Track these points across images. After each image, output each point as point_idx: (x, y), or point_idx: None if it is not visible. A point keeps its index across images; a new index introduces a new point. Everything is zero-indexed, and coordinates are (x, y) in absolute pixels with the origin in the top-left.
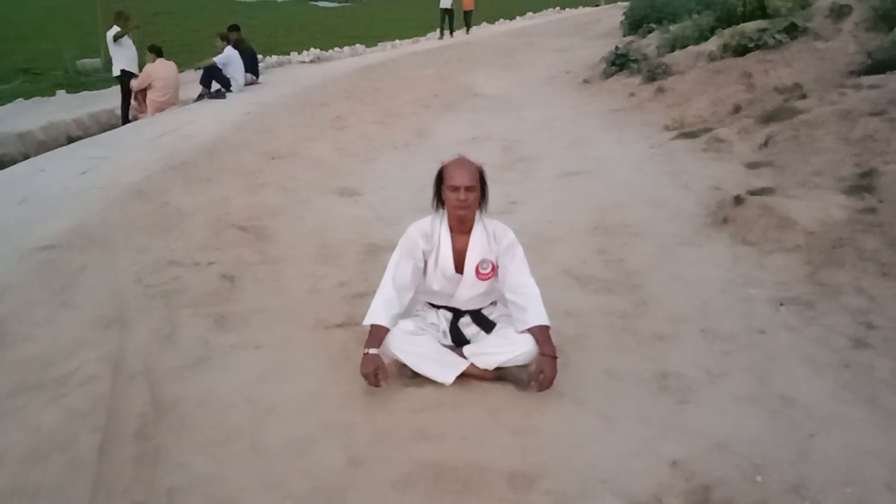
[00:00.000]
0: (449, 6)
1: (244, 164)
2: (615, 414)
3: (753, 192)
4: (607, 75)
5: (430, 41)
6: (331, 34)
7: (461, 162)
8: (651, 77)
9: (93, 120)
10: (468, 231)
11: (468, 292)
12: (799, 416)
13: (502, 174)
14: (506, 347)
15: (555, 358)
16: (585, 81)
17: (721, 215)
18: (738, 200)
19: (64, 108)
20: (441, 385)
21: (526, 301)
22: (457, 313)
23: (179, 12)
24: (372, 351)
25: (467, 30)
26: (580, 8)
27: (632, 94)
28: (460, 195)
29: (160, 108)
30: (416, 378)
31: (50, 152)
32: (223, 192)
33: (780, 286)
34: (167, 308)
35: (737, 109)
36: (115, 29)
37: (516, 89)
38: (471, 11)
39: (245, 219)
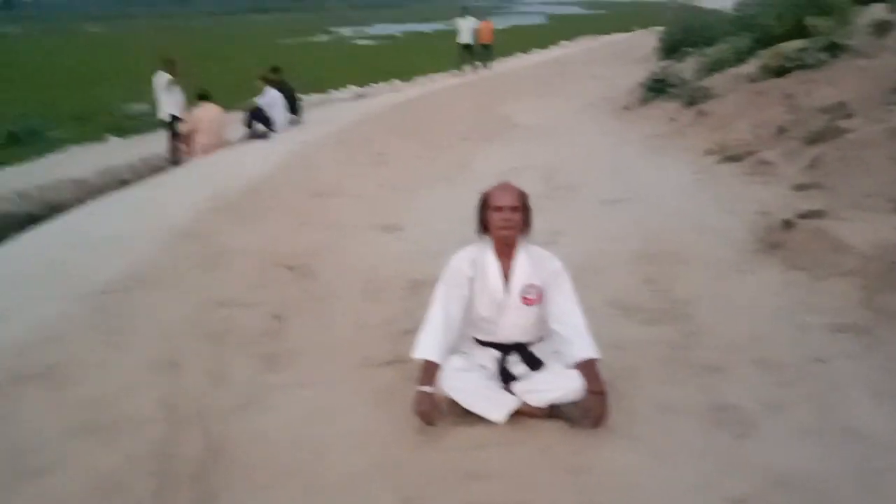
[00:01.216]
0: (469, 41)
1: (289, 203)
2: (670, 450)
3: (803, 216)
4: (646, 101)
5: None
6: (369, 71)
7: (505, 185)
8: (690, 101)
9: (143, 164)
10: (512, 254)
11: (513, 319)
12: (864, 448)
13: (543, 203)
14: (556, 383)
15: (603, 394)
16: (624, 108)
17: (770, 240)
18: (787, 224)
19: (115, 153)
20: (491, 423)
21: (571, 332)
22: (503, 350)
23: (224, 55)
24: (427, 389)
25: (485, 64)
26: (613, 34)
27: (672, 120)
28: (505, 214)
29: (206, 151)
30: (466, 416)
31: (103, 197)
32: (269, 231)
33: (836, 312)
34: (218, 348)
35: (781, 131)
36: (164, 75)
37: (554, 118)
38: (489, 45)
39: (291, 257)
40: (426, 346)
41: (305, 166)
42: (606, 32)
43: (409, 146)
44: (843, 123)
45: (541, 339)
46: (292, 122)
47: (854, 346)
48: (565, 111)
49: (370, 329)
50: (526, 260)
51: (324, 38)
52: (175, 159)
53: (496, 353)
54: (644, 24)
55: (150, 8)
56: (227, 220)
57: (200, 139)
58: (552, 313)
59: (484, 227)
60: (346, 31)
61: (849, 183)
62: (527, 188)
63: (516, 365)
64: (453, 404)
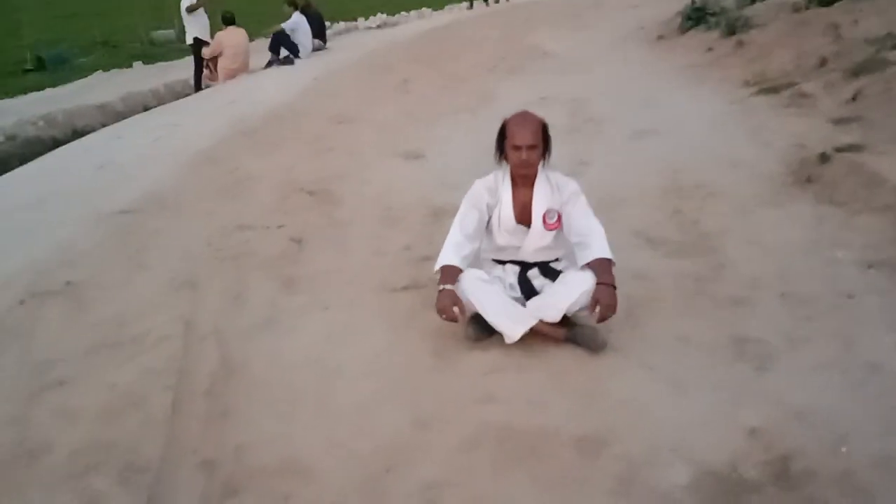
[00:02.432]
0: None
1: (311, 129)
2: (688, 380)
3: (840, 149)
4: (683, 30)
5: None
6: None
7: (524, 119)
8: (730, 31)
9: (168, 90)
10: (531, 184)
11: (536, 243)
12: (888, 384)
13: (570, 136)
14: (568, 292)
15: (613, 287)
16: (660, 38)
17: (804, 174)
18: (823, 158)
19: (140, 79)
20: (507, 347)
21: (589, 239)
22: (524, 266)
23: None
24: (448, 287)
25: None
26: None
27: (709, 49)
28: (522, 154)
29: (231, 76)
30: (479, 341)
31: (126, 120)
32: (291, 157)
33: (868, 248)
34: (237, 270)
35: (823, 62)
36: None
37: (585, 49)
38: None
39: (312, 182)
40: (445, 255)
41: (328, 93)
42: None
43: (434, 75)
44: (890, 55)
45: (561, 258)
46: (318, 48)
47: (884, 281)
48: (598, 42)
49: (389, 255)
50: (545, 186)
51: None
52: (199, 84)
53: (516, 268)
54: None
55: None
56: (248, 146)
57: (225, 63)
58: (572, 229)
59: (502, 155)
60: None
61: (891, 117)
62: (553, 121)
63: (536, 278)
64: (472, 319)
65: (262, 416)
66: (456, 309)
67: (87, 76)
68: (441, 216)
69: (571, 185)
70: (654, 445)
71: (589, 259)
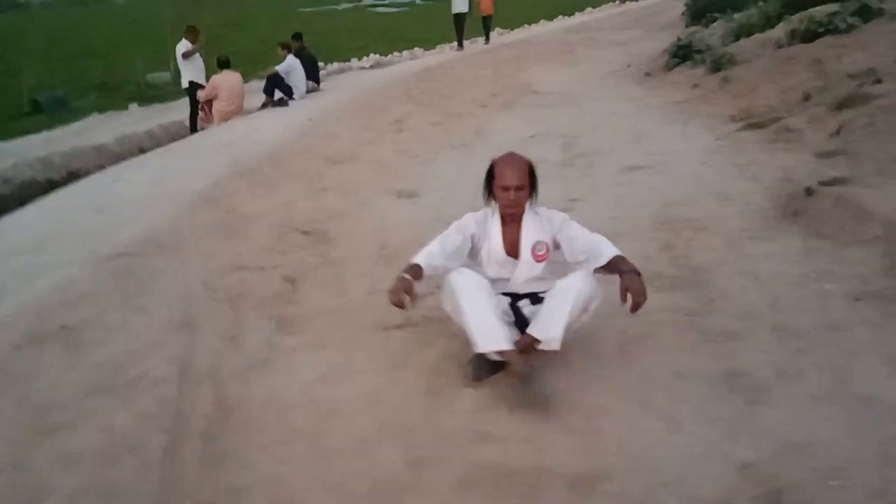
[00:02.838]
0: (464, 10)
1: (306, 169)
2: (681, 415)
3: (826, 183)
4: (670, 67)
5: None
6: (389, 39)
7: (511, 160)
8: (716, 67)
9: (163, 131)
10: (519, 221)
11: (525, 274)
12: (881, 416)
13: (562, 171)
14: (560, 303)
15: (637, 273)
16: (647, 74)
17: (792, 208)
18: (809, 192)
19: (136, 120)
20: (501, 386)
21: (596, 247)
22: (515, 297)
23: (246, 23)
24: (406, 276)
25: (486, 39)
26: (639, 0)
27: (696, 86)
28: (510, 195)
29: (226, 118)
30: (479, 381)
31: (123, 163)
32: (286, 197)
33: (857, 280)
34: (233, 311)
35: (807, 97)
36: (186, 43)
37: (576, 85)
38: (490, 17)
39: (307, 222)
40: (415, 258)
41: (323, 133)
42: None
43: (427, 113)
44: (872, 89)
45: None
46: (311, 90)
47: (874, 314)
48: (588, 78)
49: (383, 293)
50: (532, 220)
51: (346, 6)
52: (195, 126)
53: (507, 299)
54: None
55: None
56: (244, 186)
57: (220, 106)
58: (574, 249)
59: (490, 195)
60: (367, 0)
61: (875, 149)
62: (545, 156)
63: (526, 307)
64: (473, 358)
65: (257, 458)
66: (407, 298)
67: (83, 118)
68: None
69: (560, 215)
70: (649, 483)
71: (603, 262)
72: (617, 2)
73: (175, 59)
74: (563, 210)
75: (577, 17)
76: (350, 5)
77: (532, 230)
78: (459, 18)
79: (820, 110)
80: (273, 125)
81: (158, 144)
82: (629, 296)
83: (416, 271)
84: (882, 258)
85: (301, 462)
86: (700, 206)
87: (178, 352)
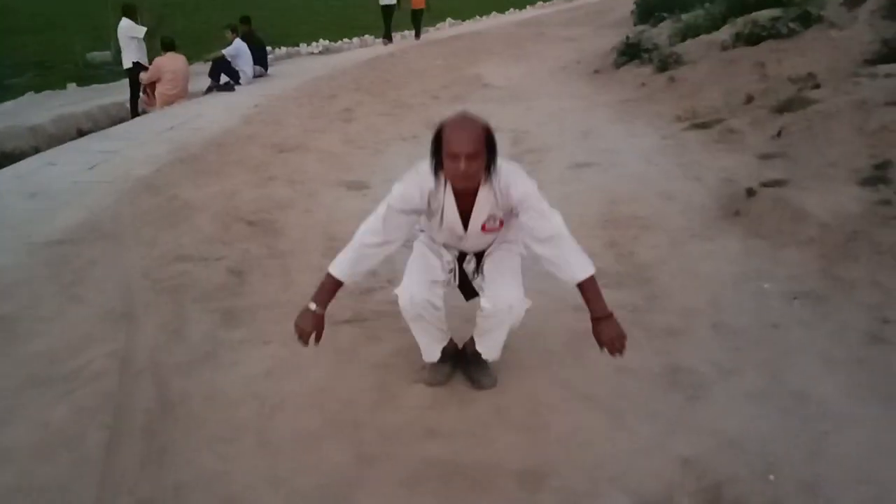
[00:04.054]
0: (392, 2)
1: (253, 157)
2: (625, 410)
3: (766, 184)
4: (618, 65)
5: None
6: (340, 25)
7: (463, 122)
8: (662, 67)
9: (103, 113)
10: (473, 192)
11: (474, 243)
12: (813, 413)
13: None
14: (499, 330)
15: (610, 315)
16: (596, 72)
17: (733, 208)
18: (750, 193)
19: (74, 101)
20: (451, 382)
21: (559, 255)
22: (462, 253)
23: (189, 4)
24: (317, 309)
25: (416, 34)
26: None
27: (643, 85)
28: (460, 165)
29: (169, 101)
30: (435, 386)
31: (60, 146)
32: (232, 186)
33: (793, 280)
34: (175, 303)
35: (749, 100)
36: (128, 22)
37: (526, 80)
38: (421, 10)
39: (253, 212)
40: (338, 265)
41: (270, 120)
42: None
43: (377, 103)
44: (812, 94)
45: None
46: (259, 75)
47: (809, 313)
48: (537, 73)
49: None
50: (488, 195)
51: None
52: (136, 109)
53: (455, 252)
54: None
55: None
56: (187, 173)
57: (163, 89)
58: (531, 236)
59: (439, 165)
60: None
61: (813, 153)
62: None
63: (469, 263)
64: (430, 366)
65: (201, 454)
66: (313, 337)
67: (18, 97)
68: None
69: (519, 191)
70: (594, 477)
71: (575, 281)
72: None
73: (116, 38)
74: None
75: (529, 11)
76: None
77: (485, 207)
78: (387, 10)
79: (762, 113)
80: (218, 111)
81: (97, 126)
82: (605, 349)
83: (330, 293)
84: (817, 259)
85: (245, 458)
86: (645, 204)
87: (118, 344)
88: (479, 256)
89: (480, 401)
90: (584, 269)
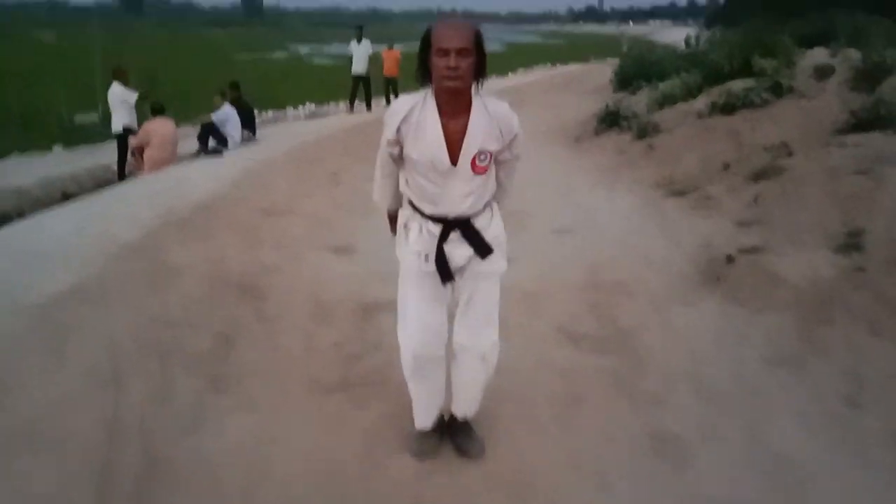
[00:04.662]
0: (363, 73)
1: (240, 221)
2: (612, 477)
3: (743, 251)
4: (598, 132)
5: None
6: (326, 89)
7: (452, 21)
8: (641, 134)
9: (89, 176)
10: (463, 111)
11: (460, 188)
12: (794, 474)
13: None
14: (474, 388)
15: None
16: (577, 138)
17: (713, 273)
18: (728, 259)
19: (60, 163)
20: (438, 450)
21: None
22: (445, 225)
23: (177, 67)
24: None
25: (387, 102)
26: (570, 64)
27: (622, 152)
28: (450, 61)
29: (158, 166)
30: (424, 457)
31: (47, 210)
32: (219, 250)
33: (771, 345)
34: (163, 368)
35: (725, 167)
36: (118, 86)
37: None
38: (394, 79)
39: (240, 276)
40: (382, 201)
41: (258, 184)
42: (563, 62)
43: (364, 167)
44: (785, 162)
45: (485, 208)
46: (247, 139)
47: (788, 377)
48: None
49: (319, 352)
50: (482, 117)
51: (282, 54)
52: (123, 173)
53: (435, 230)
54: (600, 56)
55: (105, 18)
56: (175, 237)
57: (152, 153)
58: (500, 167)
59: (427, 73)
60: (304, 49)
61: (787, 219)
62: None
63: (458, 245)
64: (418, 435)
65: None
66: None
67: (3, 157)
68: (371, 311)
69: (516, 124)
70: None
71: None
72: (548, 64)
73: (105, 100)
74: None
75: (511, 79)
76: (285, 55)
77: (480, 133)
78: (357, 80)
79: (737, 180)
80: (206, 175)
81: (84, 189)
82: None
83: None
84: (794, 323)
85: None
86: (626, 269)
87: (105, 409)
88: (464, 228)
89: (468, 469)
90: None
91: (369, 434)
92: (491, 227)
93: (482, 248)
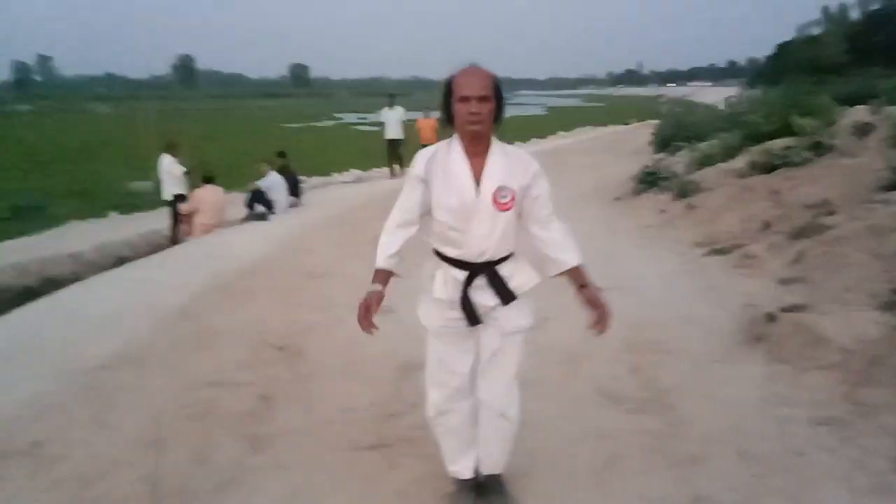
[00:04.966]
0: (398, 136)
1: (283, 284)
2: None
3: (786, 309)
4: (638, 192)
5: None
6: (370, 155)
7: (472, 70)
8: (681, 194)
9: (142, 241)
10: (483, 153)
11: (483, 228)
12: None
13: (534, 289)
14: (499, 443)
15: (598, 289)
16: (617, 199)
17: (754, 333)
18: (770, 317)
19: (116, 229)
20: None
21: (552, 237)
22: (470, 271)
23: (226, 136)
24: (376, 286)
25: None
26: (610, 126)
27: (662, 211)
28: (471, 107)
29: (207, 231)
30: (445, 498)
31: (100, 274)
32: (262, 312)
33: (816, 406)
34: (203, 429)
35: (766, 226)
36: (169, 157)
37: None
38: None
39: (281, 337)
40: (380, 257)
41: (302, 248)
42: (603, 124)
43: None
44: (826, 220)
45: (510, 256)
46: (293, 205)
47: (832, 439)
48: (560, 200)
49: (357, 412)
50: (501, 159)
51: (328, 123)
52: (175, 238)
53: (460, 276)
54: (640, 118)
55: (158, 90)
56: (220, 300)
57: (201, 219)
58: (529, 213)
59: (450, 118)
60: (350, 118)
61: (831, 277)
62: None
63: (482, 293)
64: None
65: None
66: (374, 327)
67: (61, 225)
68: (409, 370)
69: (534, 166)
70: None
71: (556, 272)
72: (588, 126)
73: (159, 170)
74: (535, 329)
75: (551, 141)
76: (332, 123)
77: (498, 170)
78: (392, 144)
79: (779, 238)
80: (253, 240)
81: (137, 253)
82: (595, 316)
83: (383, 277)
84: (839, 384)
85: None
86: (666, 329)
87: (146, 469)
88: (492, 282)
89: None
90: (575, 256)
91: (403, 495)
92: (515, 276)
93: (505, 295)
